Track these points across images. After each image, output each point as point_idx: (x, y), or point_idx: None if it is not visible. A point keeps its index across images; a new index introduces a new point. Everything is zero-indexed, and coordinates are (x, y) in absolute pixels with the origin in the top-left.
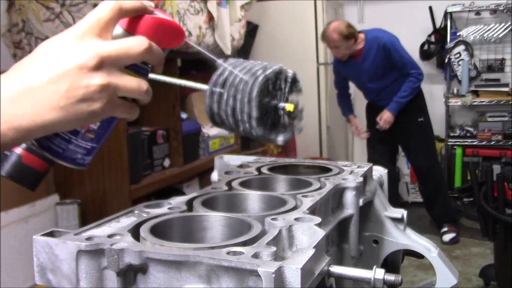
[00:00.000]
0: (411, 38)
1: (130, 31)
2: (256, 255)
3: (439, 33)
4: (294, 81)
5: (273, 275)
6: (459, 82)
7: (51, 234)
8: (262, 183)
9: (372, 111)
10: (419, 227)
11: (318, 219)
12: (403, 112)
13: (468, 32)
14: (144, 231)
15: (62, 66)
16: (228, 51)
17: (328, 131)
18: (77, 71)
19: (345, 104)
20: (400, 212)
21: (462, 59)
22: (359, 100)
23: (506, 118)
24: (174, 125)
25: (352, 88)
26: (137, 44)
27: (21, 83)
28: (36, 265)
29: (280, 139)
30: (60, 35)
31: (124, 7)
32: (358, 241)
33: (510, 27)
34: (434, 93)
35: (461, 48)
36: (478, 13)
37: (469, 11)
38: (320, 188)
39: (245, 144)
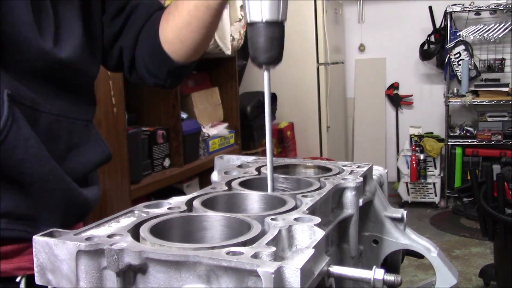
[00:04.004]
0: (411, 38)
1: None
2: (255, 255)
3: (439, 33)
4: None
5: (273, 275)
6: (459, 82)
7: (50, 234)
8: (262, 183)
9: None
10: (419, 227)
11: (318, 219)
12: None
13: (468, 32)
14: (144, 231)
15: None
16: (228, 51)
17: (328, 131)
18: None
19: None
20: (400, 212)
21: (462, 59)
22: (359, 100)
23: (506, 118)
24: (174, 125)
25: (352, 88)
26: None
27: None
28: (36, 265)
29: None
30: None
31: None
32: (358, 241)
33: (510, 27)
34: (434, 93)
35: (461, 48)
36: (478, 13)
37: (469, 11)
38: (320, 188)
39: (245, 144)
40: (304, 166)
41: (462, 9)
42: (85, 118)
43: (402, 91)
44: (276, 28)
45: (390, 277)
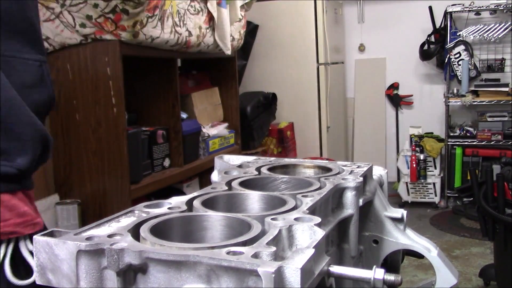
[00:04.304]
0: (411, 38)
1: None
2: (256, 255)
3: (439, 33)
4: None
5: (273, 275)
6: (459, 82)
7: (51, 234)
8: (262, 183)
9: None
10: (419, 227)
11: (318, 219)
12: None
13: (468, 32)
14: (144, 231)
15: None
16: (228, 51)
17: (328, 131)
18: None
19: None
20: (400, 212)
21: (462, 59)
22: (359, 100)
23: (506, 118)
24: (174, 125)
25: (352, 88)
26: None
27: None
28: (36, 265)
29: None
30: None
31: None
32: (358, 241)
33: (510, 27)
34: (434, 93)
35: (461, 48)
36: (478, 13)
37: (469, 11)
38: (320, 188)
39: (245, 144)
40: (304, 166)
41: (462, 9)
42: (37, 58)
43: (402, 91)
44: None
45: (390, 277)
